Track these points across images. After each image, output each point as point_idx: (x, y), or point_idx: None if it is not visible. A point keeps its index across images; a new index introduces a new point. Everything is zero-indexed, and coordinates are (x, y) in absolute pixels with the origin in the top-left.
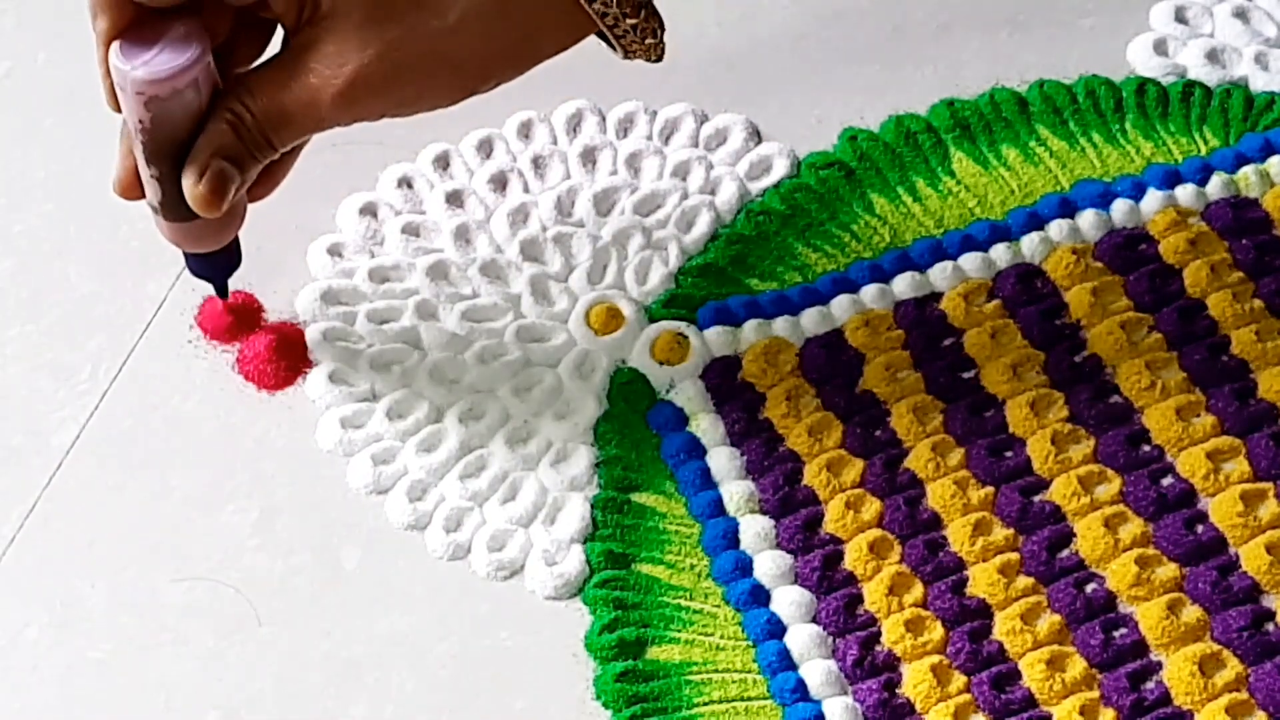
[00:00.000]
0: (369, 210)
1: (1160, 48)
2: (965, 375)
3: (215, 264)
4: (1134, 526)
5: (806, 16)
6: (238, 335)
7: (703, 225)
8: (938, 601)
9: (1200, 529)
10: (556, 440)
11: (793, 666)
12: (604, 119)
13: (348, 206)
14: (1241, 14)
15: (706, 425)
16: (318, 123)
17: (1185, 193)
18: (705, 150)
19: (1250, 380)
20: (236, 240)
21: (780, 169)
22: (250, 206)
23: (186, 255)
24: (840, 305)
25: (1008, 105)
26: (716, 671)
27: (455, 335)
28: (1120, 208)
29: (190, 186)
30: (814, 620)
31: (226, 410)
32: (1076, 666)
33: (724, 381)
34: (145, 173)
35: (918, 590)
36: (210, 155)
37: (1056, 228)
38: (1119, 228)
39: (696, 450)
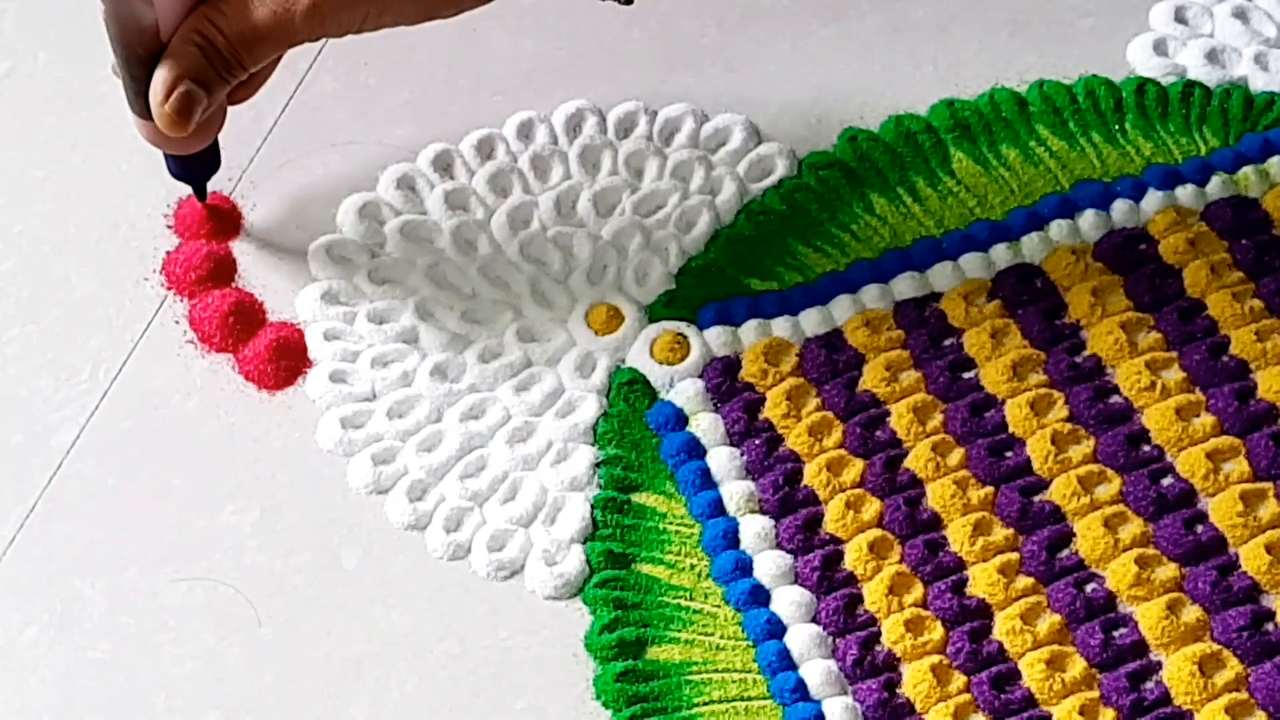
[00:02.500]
0: (369, 211)
1: (1160, 48)
2: (965, 375)
3: (193, 166)
4: (1134, 526)
5: (806, 16)
6: (239, 338)
7: (703, 226)
8: (937, 601)
9: (1200, 529)
10: (556, 440)
11: (793, 666)
12: (604, 119)
13: (348, 207)
14: (1241, 14)
15: (706, 425)
16: (289, 38)
17: (1185, 193)
18: (705, 151)
19: (1250, 380)
20: (215, 143)
21: (780, 169)
22: (251, 209)
23: (166, 157)
24: (840, 305)
25: (1007, 105)
26: (716, 671)
27: (455, 335)
28: (1120, 208)
29: (157, 107)
30: (814, 620)
31: (226, 410)
32: (1076, 666)
33: (724, 381)
34: (120, 71)
35: (918, 590)
36: (177, 77)
37: (1056, 228)
38: (1119, 228)
39: (696, 450)
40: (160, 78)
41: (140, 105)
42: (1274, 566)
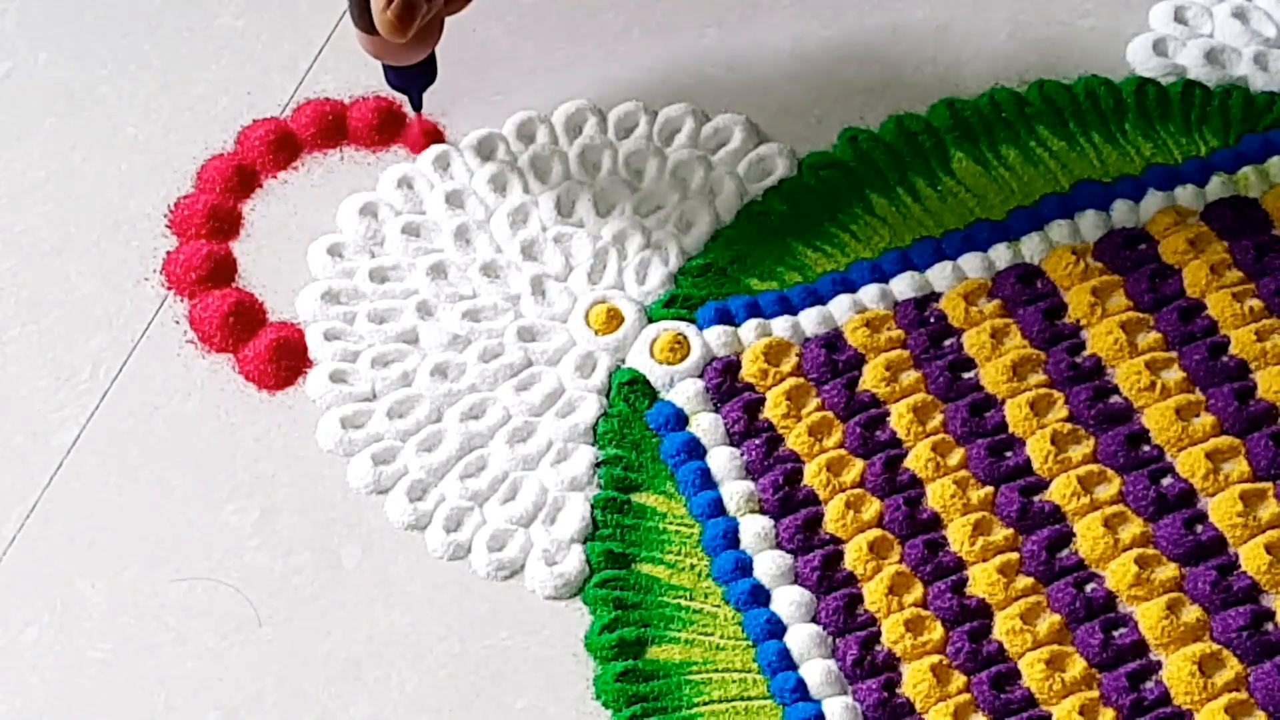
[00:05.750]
0: (369, 210)
1: (1160, 48)
2: (965, 375)
3: (411, 77)
4: (1134, 526)
5: (806, 16)
6: (239, 338)
7: (703, 225)
8: (937, 601)
9: (1200, 529)
10: (556, 440)
11: (793, 666)
12: (604, 119)
13: (348, 207)
14: (1241, 14)
15: (706, 425)
16: None
17: (1185, 193)
18: (705, 151)
19: (1250, 380)
20: (433, 54)
21: (780, 169)
22: (251, 208)
23: (385, 68)
24: (840, 305)
25: (1008, 105)
26: (716, 671)
27: (455, 335)
28: (1120, 208)
29: (379, 13)
30: (814, 620)
31: (226, 410)
32: (1076, 666)
33: (724, 381)
34: None
35: (917, 590)
36: None
37: (1056, 228)
38: (1118, 228)
39: (696, 450)
40: None
41: (363, 19)
42: (1274, 566)
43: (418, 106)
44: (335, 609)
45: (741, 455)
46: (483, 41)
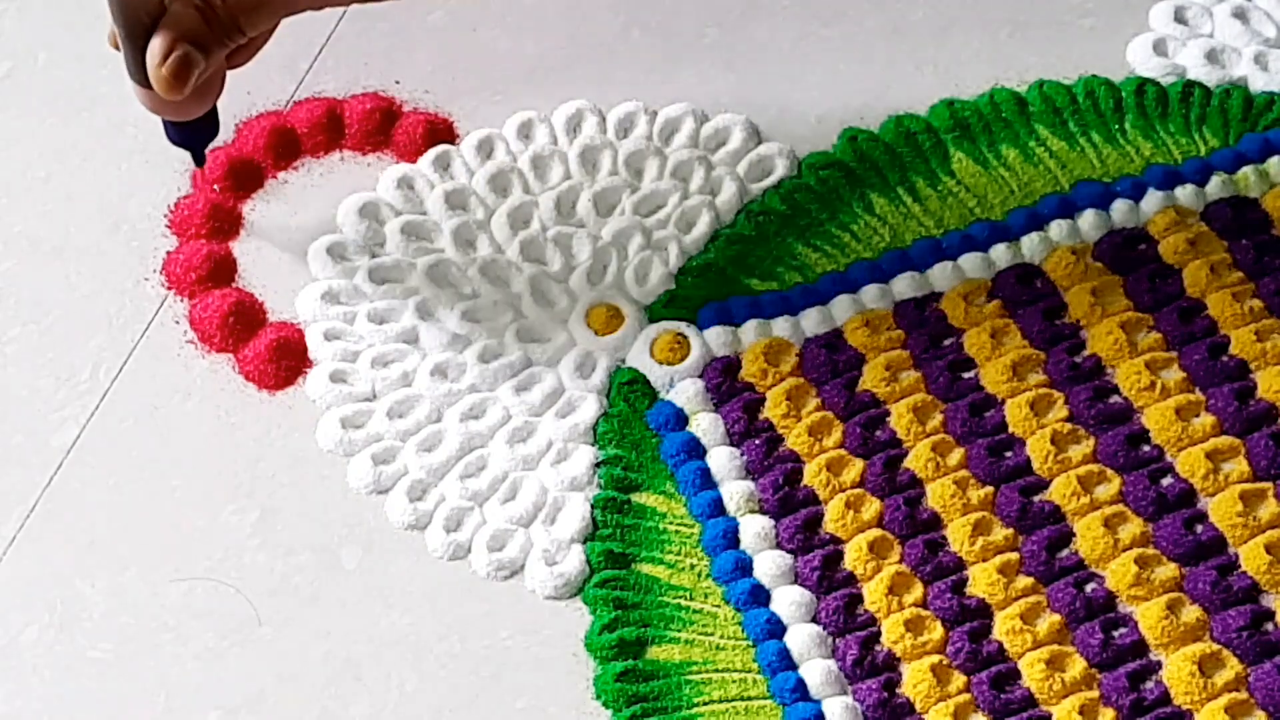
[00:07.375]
0: (369, 210)
1: (1160, 48)
2: (965, 375)
3: (192, 132)
4: (1134, 526)
5: (806, 16)
6: (239, 338)
7: (703, 226)
8: (937, 601)
9: (1200, 529)
10: (556, 440)
11: (793, 666)
12: (604, 119)
13: (348, 207)
14: (1241, 14)
15: (706, 425)
16: (289, 6)
17: (1185, 193)
18: (705, 151)
19: (1250, 380)
20: (214, 109)
21: (780, 169)
22: (251, 208)
23: (165, 124)
24: (840, 305)
25: (1007, 105)
26: (716, 671)
27: (455, 335)
28: (1120, 208)
29: (154, 69)
30: (814, 620)
31: (227, 410)
32: (1076, 666)
33: (724, 381)
34: (119, 35)
35: (917, 590)
36: (174, 39)
37: (1056, 228)
38: (1119, 228)
39: (696, 450)
40: (158, 41)
41: (139, 73)
42: (1274, 566)
43: (200, 162)
44: (335, 609)
45: (741, 455)
46: (483, 41)
